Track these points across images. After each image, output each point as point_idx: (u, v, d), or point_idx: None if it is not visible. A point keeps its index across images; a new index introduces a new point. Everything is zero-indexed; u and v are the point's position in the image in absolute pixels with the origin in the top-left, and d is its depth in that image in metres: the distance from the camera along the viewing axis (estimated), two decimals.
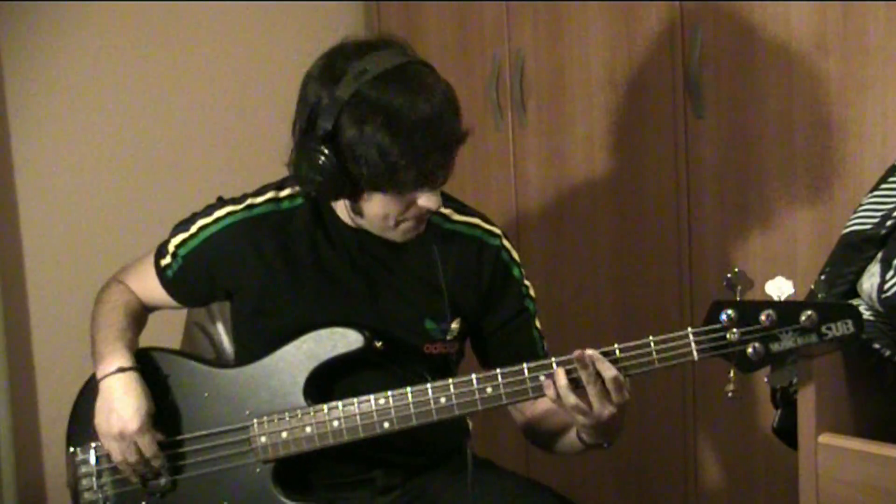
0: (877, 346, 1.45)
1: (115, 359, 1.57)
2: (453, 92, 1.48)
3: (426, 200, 1.48)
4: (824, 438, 1.41)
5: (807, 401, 1.42)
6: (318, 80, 1.46)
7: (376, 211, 1.50)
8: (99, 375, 1.57)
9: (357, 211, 1.52)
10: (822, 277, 1.61)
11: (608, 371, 1.42)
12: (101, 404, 1.56)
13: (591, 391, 1.42)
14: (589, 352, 1.43)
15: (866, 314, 1.51)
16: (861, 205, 1.61)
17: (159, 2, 2.57)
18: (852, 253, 1.57)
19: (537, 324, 1.70)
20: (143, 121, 2.58)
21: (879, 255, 1.54)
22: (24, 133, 2.39)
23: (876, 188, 1.62)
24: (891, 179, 1.60)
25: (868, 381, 1.48)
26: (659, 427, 2.37)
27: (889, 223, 1.54)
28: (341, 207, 1.58)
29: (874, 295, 1.50)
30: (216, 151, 2.70)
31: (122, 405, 1.54)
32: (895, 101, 1.90)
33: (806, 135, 2.03)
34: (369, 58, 1.43)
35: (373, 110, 1.40)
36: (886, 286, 1.48)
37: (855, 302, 1.55)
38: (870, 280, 1.53)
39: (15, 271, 2.39)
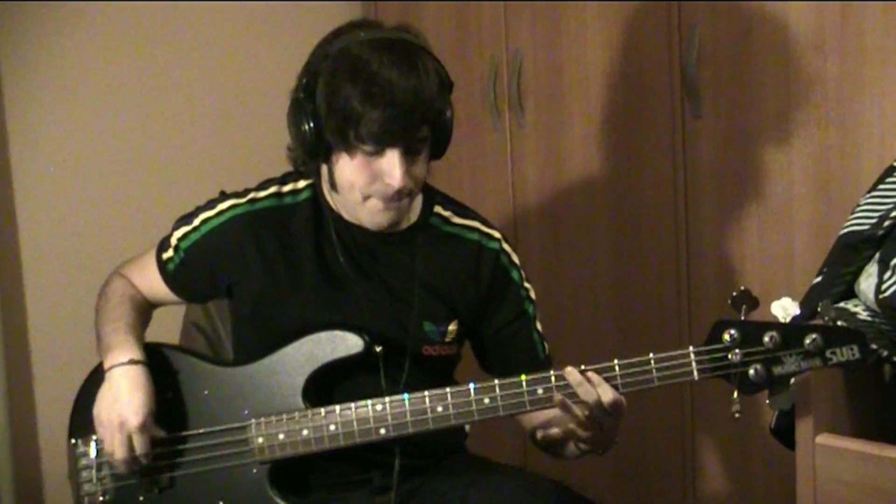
0: (874, 346, 1.45)
1: (127, 351, 1.56)
2: (442, 72, 1.48)
3: (388, 174, 1.47)
4: (822, 439, 1.41)
5: (804, 401, 1.41)
6: (318, 45, 1.51)
7: (344, 179, 1.50)
8: (108, 365, 1.56)
9: (333, 183, 1.53)
10: (820, 278, 1.61)
11: (606, 395, 1.41)
12: (105, 393, 1.55)
13: (591, 410, 1.42)
14: (590, 375, 1.42)
15: (863, 314, 1.51)
16: (859, 205, 1.61)
17: (159, 2, 2.57)
18: (850, 253, 1.57)
19: (538, 326, 1.70)
20: (141, 121, 2.57)
21: (877, 256, 1.54)
22: (21, 132, 2.39)
23: (874, 189, 1.62)
24: (888, 180, 1.60)
25: (866, 382, 1.48)
26: (657, 427, 2.37)
27: (886, 224, 1.54)
28: (335, 199, 1.58)
29: (871, 295, 1.50)
30: (215, 152, 2.69)
31: (128, 398, 1.53)
32: (893, 100, 1.90)
33: (804, 135, 2.03)
34: (372, 29, 1.47)
35: (346, 62, 1.43)
36: (884, 286, 1.48)
37: (852, 302, 1.55)
38: (867, 280, 1.52)
39: (12, 270, 2.39)
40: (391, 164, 1.47)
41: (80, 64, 2.48)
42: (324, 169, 1.56)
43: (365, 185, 1.49)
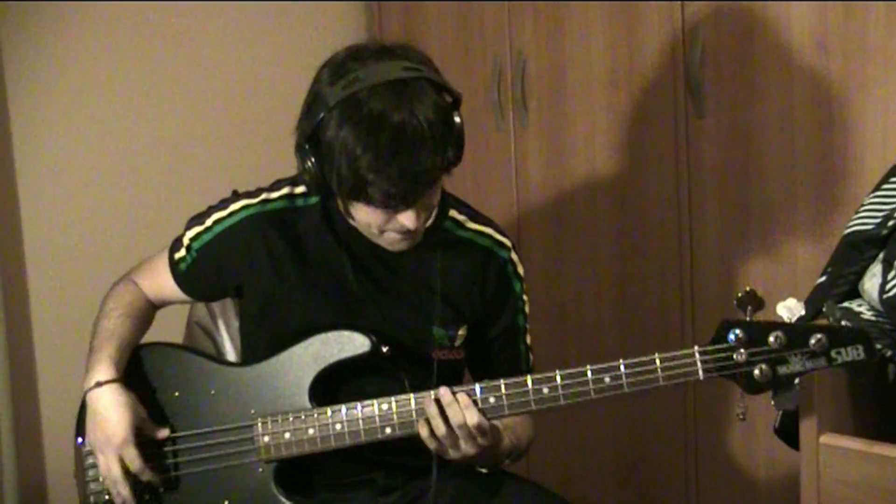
0: (878, 346, 1.45)
1: (96, 372, 1.57)
2: (447, 120, 1.44)
3: (404, 218, 1.46)
4: (826, 439, 1.41)
5: (808, 401, 1.42)
6: (323, 76, 1.46)
7: (359, 217, 1.50)
8: (84, 390, 1.58)
9: (348, 214, 1.52)
10: (824, 278, 1.61)
11: (472, 418, 1.44)
12: (88, 420, 1.58)
13: (458, 433, 1.44)
14: (459, 396, 1.45)
15: (867, 314, 1.52)
16: (862, 205, 1.61)
17: (159, 2, 2.57)
18: (854, 253, 1.58)
19: (527, 339, 1.70)
20: (143, 121, 2.58)
21: (881, 256, 1.54)
22: (25, 133, 2.39)
23: (877, 188, 1.62)
24: (892, 180, 1.61)
25: (870, 381, 1.48)
26: (660, 426, 2.37)
27: (890, 223, 1.54)
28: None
29: (875, 295, 1.50)
30: (217, 152, 2.70)
31: (104, 420, 1.54)
32: None
33: (807, 135, 2.03)
34: (375, 65, 1.42)
35: (353, 118, 1.39)
36: (888, 286, 1.48)
37: (856, 302, 1.55)
38: (871, 280, 1.53)
39: (16, 270, 2.39)
40: (406, 216, 1.46)
41: (84, 63, 2.48)
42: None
43: (381, 225, 1.49)
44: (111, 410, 1.54)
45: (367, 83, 1.40)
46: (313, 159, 1.44)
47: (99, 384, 1.56)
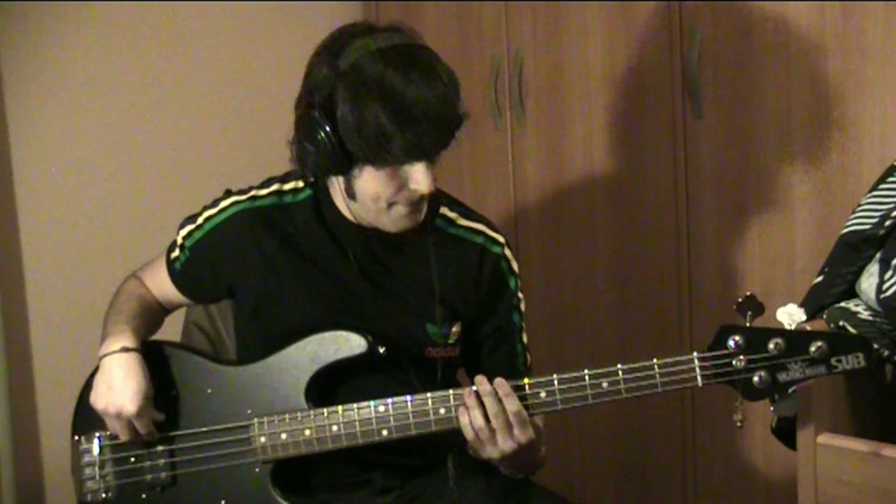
0: (875, 346, 1.45)
1: (120, 339, 1.58)
2: (454, 74, 1.49)
3: (417, 182, 1.47)
4: (823, 438, 1.42)
5: (805, 401, 1.42)
6: (321, 55, 1.48)
7: (368, 190, 1.49)
8: (101, 353, 1.58)
9: (350, 193, 1.52)
10: (821, 278, 1.61)
11: (511, 405, 1.43)
12: (99, 381, 1.57)
13: (495, 423, 1.43)
14: (498, 381, 1.44)
15: (865, 314, 1.51)
16: (860, 205, 1.61)
17: (159, 2, 2.57)
18: (851, 253, 1.58)
19: (523, 338, 1.70)
20: (142, 121, 2.57)
21: (878, 255, 1.54)
22: (22, 133, 2.39)
23: (874, 188, 1.62)
24: (889, 180, 1.61)
25: (867, 382, 1.48)
26: (658, 426, 2.37)
27: (888, 223, 1.54)
28: (341, 201, 1.58)
29: (872, 295, 1.50)
30: (215, 152, 2.69)
31: (121, 386, 1.54)
32: (894, 100, 1.90)
33: (804, 134, 2.03)
34: (372, 36, 1.46)
35: (368, 81, 1.41)
36: (885, 286, 1.48)
37: (853, 302, 1.55)
38: (868, 280, 1.53)
39: (14, 268, 2.39)
40: (421, 174, 1.47)
41: (81, 63, 2.48)
42: (337, 180, 1.55)
43: (392, 194, 1.49)
44: (132, 378, 1.55)
45: (374, 48, 1.43)
46: (328, 127, 1.44)
47: (126, 349, 1.56)
